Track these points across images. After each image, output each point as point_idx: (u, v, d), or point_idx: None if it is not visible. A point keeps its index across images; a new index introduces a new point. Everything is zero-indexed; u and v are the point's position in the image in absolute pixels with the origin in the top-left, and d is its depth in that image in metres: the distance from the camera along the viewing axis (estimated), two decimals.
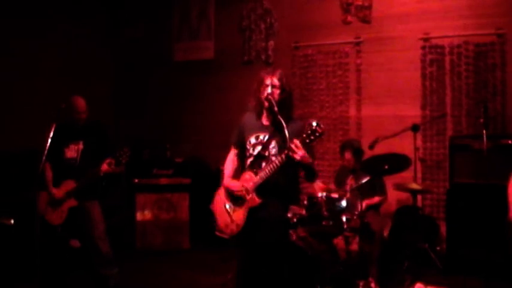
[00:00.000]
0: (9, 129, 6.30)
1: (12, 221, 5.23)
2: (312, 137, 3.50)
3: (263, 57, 7.52)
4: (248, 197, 3.77)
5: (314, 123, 3.49)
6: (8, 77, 6.43)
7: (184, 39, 8.16)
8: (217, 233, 4.03)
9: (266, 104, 3.77)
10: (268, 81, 3.81)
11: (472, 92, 6.40)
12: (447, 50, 6.51)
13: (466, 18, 6.40)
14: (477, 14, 6.35)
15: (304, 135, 3.51)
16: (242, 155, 3.99)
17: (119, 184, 7.07)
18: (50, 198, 4.96)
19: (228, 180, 3.98)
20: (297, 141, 3.49)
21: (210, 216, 4.09)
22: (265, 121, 3.91)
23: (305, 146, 3.51)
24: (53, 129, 4.45)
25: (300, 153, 3.49)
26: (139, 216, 6.97)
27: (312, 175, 3.83)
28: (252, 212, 3.77)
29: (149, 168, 7.18)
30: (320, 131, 3.48)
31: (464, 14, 6.42)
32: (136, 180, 7.04)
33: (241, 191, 3.79)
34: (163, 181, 7.10)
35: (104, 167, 4.85)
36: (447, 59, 6.51)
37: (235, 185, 3.87)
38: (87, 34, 7.72)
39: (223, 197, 3.97)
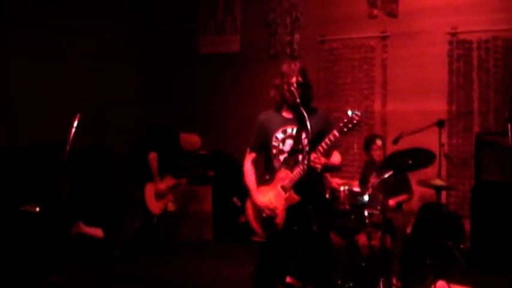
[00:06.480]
0: (40, 123, 6.37)
1: (37, 209, 5.34)
2: (350, 126, 3.53)
3: (288, 51, 7.49)
4: (286, 195, 3.74)
5: (349, 112, 3.53)
6: (37, 72, 6.51)
7: (210, 33, 8.17)
8: (254, 239, 3.92)
9: (289, 96, 3.73)
10: (293, 79, 3.75)
11: (500, 88, 6.29)
12: (475, 45, 6.41)
13: (494, 12, 6.30)
14: (506, 8, 6.26)
15: (341, 125, 3.54)
16: (266, 154, 3.92)
17: None
18: (155, 189, 6.48)
19: (256, 196, 3.88)
20: (317, 154, 3.52)
21: (234, 209, 4.08)
22: (286, 114, 3.88)
23: (342, 135, 3.56)
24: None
25: (320, 164, 3.52)
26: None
27: (334, 170, 3.80)
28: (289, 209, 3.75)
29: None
30: (357, 118, 3.51)
31: (493, 8, 6.32)
32: None
33: (269, 211, 3.76)
34: None
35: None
36: (475, 54, 6.42)
37: (262, 203, 3.81)
38: (115, 28, 7.76)
39: (254, 208, 3.90)
